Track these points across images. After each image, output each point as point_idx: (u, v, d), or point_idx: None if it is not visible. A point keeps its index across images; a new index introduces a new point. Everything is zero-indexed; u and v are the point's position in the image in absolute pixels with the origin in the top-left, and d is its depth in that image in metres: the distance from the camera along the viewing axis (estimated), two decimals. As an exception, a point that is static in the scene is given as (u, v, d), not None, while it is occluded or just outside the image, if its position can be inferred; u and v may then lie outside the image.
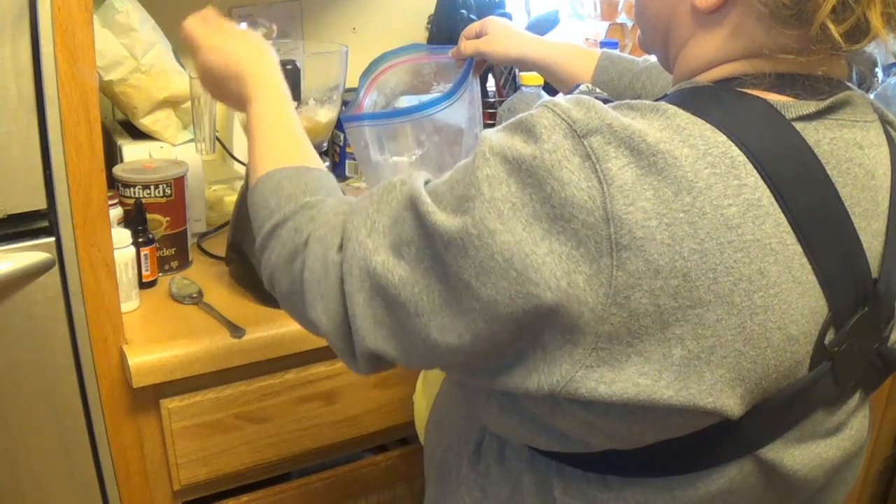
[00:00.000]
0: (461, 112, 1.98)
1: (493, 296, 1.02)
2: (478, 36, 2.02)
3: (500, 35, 1.99)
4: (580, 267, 0.98)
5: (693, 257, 0.98)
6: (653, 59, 1.56)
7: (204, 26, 1.58)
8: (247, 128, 1.47)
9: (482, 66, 2.07)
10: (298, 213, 1.28)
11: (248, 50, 1.54)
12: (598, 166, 0.98)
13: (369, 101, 2.07)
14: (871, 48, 1.14)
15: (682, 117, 1.03)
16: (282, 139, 1.45)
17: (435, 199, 1.08)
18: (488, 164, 1.02)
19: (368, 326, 1.14)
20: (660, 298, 0.99)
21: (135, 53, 2.06)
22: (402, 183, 1.15)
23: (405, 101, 2.07)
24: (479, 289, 1.02)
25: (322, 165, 1.40)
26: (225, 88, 1.56)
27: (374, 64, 2.10)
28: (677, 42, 1.23)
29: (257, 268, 1.86)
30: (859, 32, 1.04)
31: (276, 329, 1.83)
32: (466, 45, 2.02)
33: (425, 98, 2.03)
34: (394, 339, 1.14)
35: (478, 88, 2.05)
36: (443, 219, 1.05)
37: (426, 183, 1.13)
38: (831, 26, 1.03)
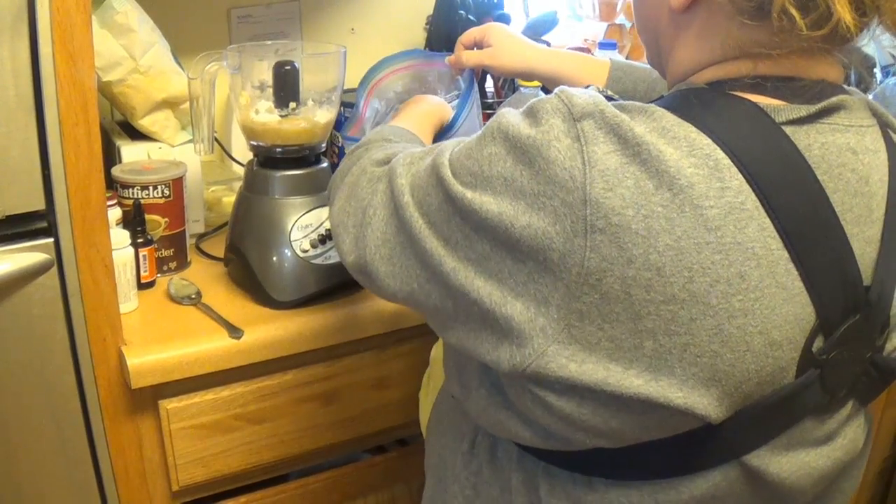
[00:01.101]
0: (465, 117, 1.99)
1: (488, 251, 1.07)
2: (476, 44, 1.98)
3: (505, 47, 1.93)
4: (554, 244, 1.01)
5: (668, 253, 0.99)
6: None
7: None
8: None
9: (480, 72, 2.05)
10: (377, 142, 1.46)
11: (428, 103, 1.85)
12: (584, 148, 1.01)
13: (370, 112, 2.06)
14: (865, 45, 1.14)
15: (669, 119, 1.04)
16: (408, 123, 1.67)
17: (451, 161, 1.14)
18: (494, 142, 1.08)
19: (377, 240, 1.23)
20: (632, 288, 1.00)
21: (133, 54, 2.05)
22: (444, 144, 1.22)
23: None
24: (477, 242, 1.08)
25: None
26: (406, 105, 1.85)
27: (372, 72, 2.09)
28: (665, 48, 1.25)
29: (255, 269, 1.87)
30: (820, 16, 1.04)
31: (275, 330, 1.83)
32: (469, 57, 1.97)
33: None
34: (390, 261, 1.22)
35: (476, 91, 2.04)
36: (450, 178, 1.11)
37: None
38: (793, 12, 1.04)
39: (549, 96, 1.07)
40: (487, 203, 1.05)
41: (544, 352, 1.05)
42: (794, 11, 1.04)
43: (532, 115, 1.06)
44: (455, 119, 1.94)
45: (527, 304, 1.05)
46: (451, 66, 2.03)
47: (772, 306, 1.04)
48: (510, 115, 1.09)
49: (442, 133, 1.91)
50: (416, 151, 1.27)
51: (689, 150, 1.01)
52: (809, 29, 1.04)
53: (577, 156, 1.00)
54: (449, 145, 1.19)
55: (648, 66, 1.87)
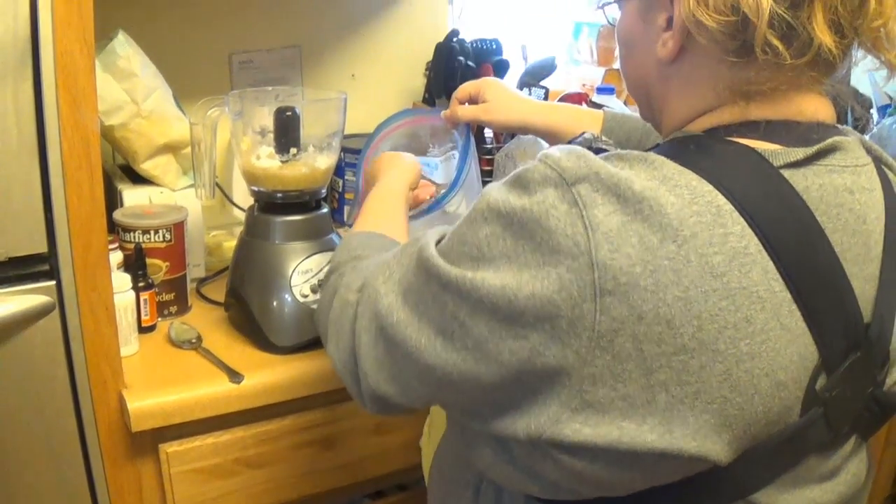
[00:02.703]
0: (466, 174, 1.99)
1: (485, 334, 1.06)
2: (472, 99, 1.98)
3: (500, 102, 1.94)
4: (562, 312, 1.00)
5: (677, 304, 0.99)
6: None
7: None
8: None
9: (476, 126, 2.05)
10: (349, 262, 1.41)
11: (392, 164, 1.80)
12: (584, 212, 1.00)
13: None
14: (852, 67, 1.16)
15: (669, 167, 1.05)
16: (373, 215, 1.63)
17: (442, 251, 1.13)
18: (487, 223, 1.06)
19: (371, 366, 1.21)
20: (643, 344, 1.00)
21: (136, 98, 2.07)
22: (423, 237, 1.20)
23: None
24: (472, 327, 1.07)
25: (405, 238, 1.54)
26: (368, 183, 1.82)
27: (368, 141, 2.08)
28: (658, 100, 1.26)
29: (256, 313, 1.87)
30: (802, 43, 1.07)
31: (275, 374, 1.83)
32: (464, 112, 1.98)
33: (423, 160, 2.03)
34: (393, 381, 1.20)
35: (474, 146, 2.03)
36: (444, 266, 1.10)
37: (441, 239, 1.17)
38: (775, 43, 1.05)
39: (534, 164, 1.07)
40: (489, 279, 1.04)
41: (558, 419, 1.05)
42: (776, 42, 1.05)
43: (521, 185, 1.06)
44: (457, 177, 1.95)
45: (539, 375, 1.05)
46: (447, 120, 2.02)
47: (777, 348, 1.04)
48: (496, 192, 1.08)
49: (445, 194, 1.92)
50: (389, 259, 1.26)
51: (691, 199, 1.02)
52: (794, 58, 1.07)
53: (578, 221, 1.00)
54: (429, 238, 1.18)
55: (639, 117, 1.89)
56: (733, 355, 1.02)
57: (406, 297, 1.17)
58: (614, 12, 1.30)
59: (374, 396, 1.24)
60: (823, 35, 1.06)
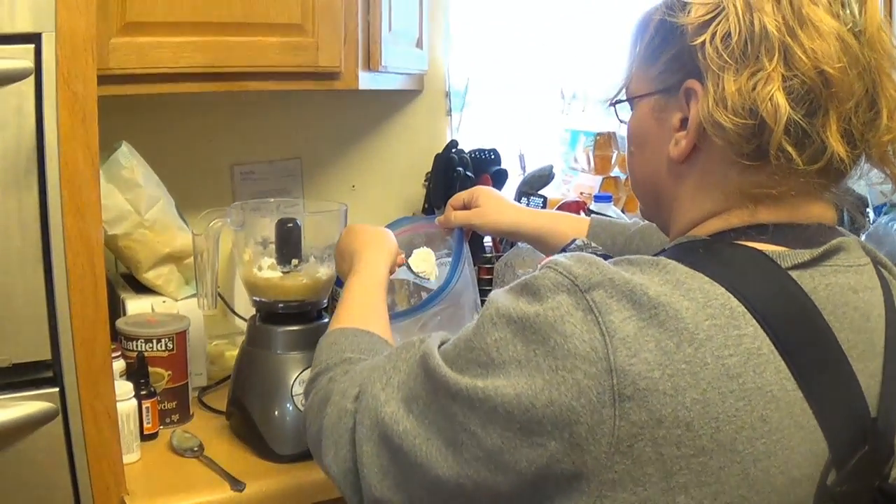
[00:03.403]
0: (458, 277, 2.01)
1: (499, 445, 1.05)
2: (466, 205, 2.05)
3: (490, 207, 2.02)
4: (581, 418, 1.00)
5: (696, 407, 0.99)
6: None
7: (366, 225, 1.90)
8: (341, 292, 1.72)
9: (470, 232, 2.09)
10: (338, 365, 1.39)
11: (372, 242, 1.81)
12: (600, 319, 1.01)
13: None
14: (855, 182, 1.17)
15: (681, 271, 1.06)
16: (358, 307, 1.63)
17: (447, 359, 1.12)
18: (496, 328, 1.07)
19: (375, 475, 1.19)
20: (663, 447, 1.00)
21: (139, 208, 2.09)
22: (421, 342, 1.20)
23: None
24: (484, 438, 1.06)
25: (389, 335, 1.52)
26: (343, 256, 1.83)
27: None
28: (667, 200, 1.26)
29: (257, 422, 1.87)
30: (815, 151, 1.08)
31: (277, 483, 1.83)
32: (457, 216, 2.04)
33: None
34: (398, 489, 1.18)
35: (467, 250, 2.07)
36: (452, 375, 1.09)
37: (442, 344, 1.17)
38: (790, 150, 1.06)
39: (542, 271, 1.08)
40: (502, 388, 1.04)
41: None
42: (790, 148, 1.06)
43: (531, 292, 1.07)
44: (448, 280, 1.97)
45: (556, 482, 1.04)
46: (441, 225, 2.09)
47: (791, 446, 1.04)
48: (504, 299, 1.09)
49: (436, 294, 1.94)
50: (384, 364, 1.25)
51: (705, 302, 1.03)
52: (806, 164, 1.07)
53: (595, 327, 1.01)
54: (431, 345, 1.17)
55: (627, 222, 1.92)
56: (750, 454, 1.02)
57: (409, 405, 1.16)
58: (625, 111, 1.31)
59: None
60: (837, 144, 1.07)
